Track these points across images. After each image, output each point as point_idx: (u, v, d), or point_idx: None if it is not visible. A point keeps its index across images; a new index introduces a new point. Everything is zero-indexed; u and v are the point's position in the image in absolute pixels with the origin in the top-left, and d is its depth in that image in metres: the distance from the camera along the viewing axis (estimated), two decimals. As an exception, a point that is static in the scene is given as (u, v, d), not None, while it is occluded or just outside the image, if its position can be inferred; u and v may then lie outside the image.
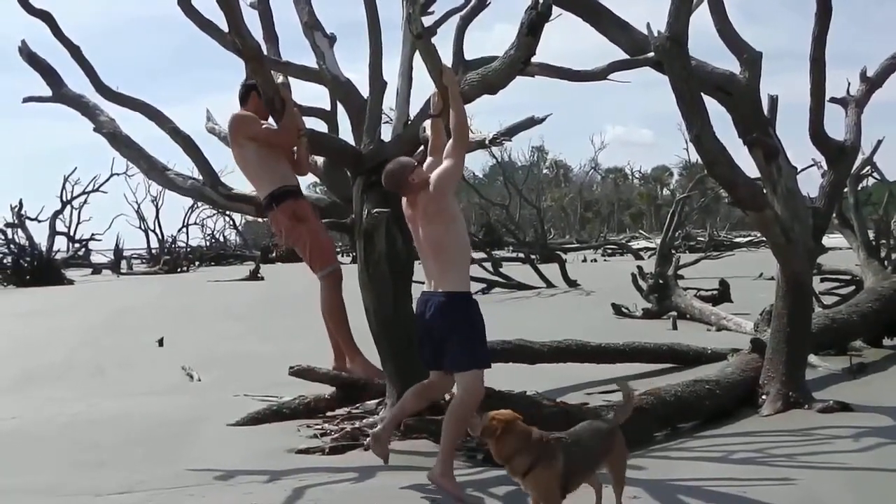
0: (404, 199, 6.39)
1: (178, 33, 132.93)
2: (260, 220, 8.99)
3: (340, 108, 8.68)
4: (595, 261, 44.70)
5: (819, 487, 5.94)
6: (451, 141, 6.24)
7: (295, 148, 7.53)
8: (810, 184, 10.72)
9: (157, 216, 68.10)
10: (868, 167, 17.16)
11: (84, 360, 13.62)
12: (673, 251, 20.01)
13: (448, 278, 6.14)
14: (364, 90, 8.10)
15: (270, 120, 7.45)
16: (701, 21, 8.21)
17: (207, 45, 7.77)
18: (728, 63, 8.49)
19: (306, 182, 9.37)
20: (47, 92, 9.02)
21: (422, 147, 7.21)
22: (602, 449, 5.39)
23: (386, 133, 7.99)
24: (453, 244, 6.18)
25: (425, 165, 6.42)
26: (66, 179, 53.51)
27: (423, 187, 6.15)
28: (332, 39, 8.49)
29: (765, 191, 8.39)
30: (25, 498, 6.47)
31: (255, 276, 35.83)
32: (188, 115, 9.51)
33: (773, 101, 8.76)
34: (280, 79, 7.79)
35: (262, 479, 6.68)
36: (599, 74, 8.23)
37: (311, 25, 8.46)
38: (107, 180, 56.02)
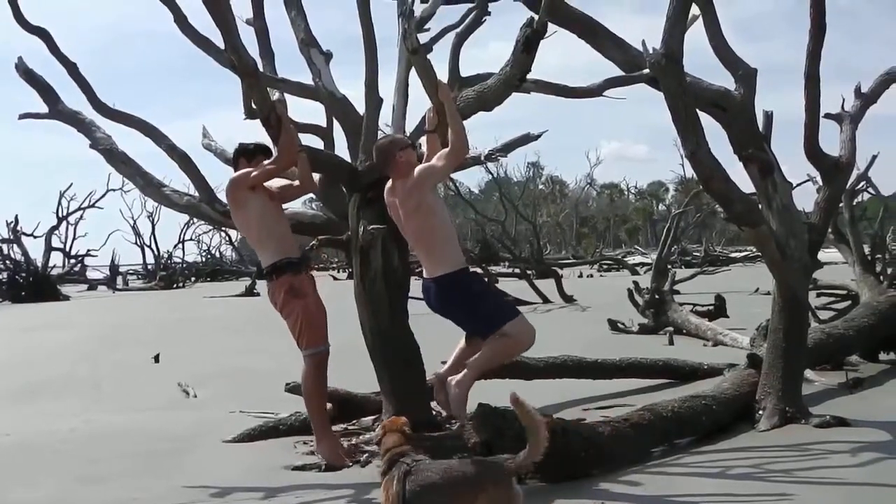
0: (387, 186, 6.43)
1: (175, 50, 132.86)
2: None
3: (336, 124, 8.70)
4: (591, 276, 44.69)
5: (816, 502, 5.93)
6: (448, 149, 6.29)
7: (295, 168, 7.50)
8: (806, 199, 10.77)
9: (153, 232, 68.08)
10: (863, 182, 17.23)
11: (80, 376, 13.59)
12: (669, 266, 20.03)
13: (436, 264, 6.28)
14: (360, 107, 8.12)
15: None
16: (696, 38, 8.25)
17: (204, 62, 7.78)
18: (723, 79, 8.52)
19: (300, 198, 9.35)
20: (44, 108, 9.04)
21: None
22: (463, 494, 4.73)
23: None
24: (434, 234, 6.32)
25: None
26: (62, 195, 53.54)
27: (407, 173, 6.22)
28: (328, 56, 8.52)
29: (760, 206, 8.40)
30: (21, 515, 6.46)
31: (250, 292, 35.79)
32: (185, 132, 9.54)
33: (768, 116, 8.78)
34: (276, 95, 7.82)
35: (259, 496, 6.67)
36: (595, 91, 8.26)
37: (308, 42, 8.49)
38: (103, 196, 56.03)
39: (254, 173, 7.03)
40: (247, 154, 7.27)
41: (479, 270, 26.66)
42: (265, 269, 7.06)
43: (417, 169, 6.27)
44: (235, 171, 7.42)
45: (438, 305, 6.30)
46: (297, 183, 7.48)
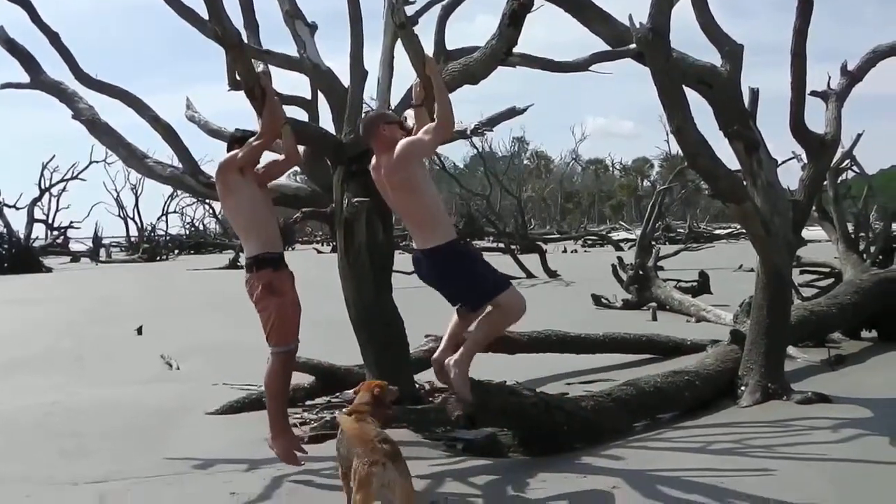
0: (372, 161, 6.44)
1: (160, 23, 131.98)
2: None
3: (321, 97, 8.65)
4: (575, 251, 44.80)
5: (797, 478, 5.97)
6: (434, 123, 6.25)
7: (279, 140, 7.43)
8: (790, 176, 10.79)
9: (136, 204, 68.01)
10: (848, 161, 17.27)
11: (63, 349, 13.57)
12: (653, 242, 20.05)
13: (427, 236, 6.25)
14: (345, 79, 8.07)
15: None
16: (683, 14, 8.23)
17: (190, 35, 7.71)
18: (710, 56, 8.50)
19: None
20: (25, 78, 8.95)
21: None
22: None
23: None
24: (423, 207, 6.28)
25: None
26: (44, 167, 53.42)
27: (389, 148, 6.19)
28: (313, 28, 8.45)
29: (745, 183, 8.41)
30: (3, 486, 6.44)
31: (234, 264, 35.72)
32: (169, 105, 9.46)
33: (754, 93, 8.78)
34: (260, 67, 7.75)
35: (242, 468, 6.68)
36: (581, 65, 8.24)
37: (293, 14, 8.42)
38: (86, 168, 55.99)
39: (241, 153, 6.96)
40: (241, 142, 7.19)
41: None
42: (247, 260, 7.00)
43: (402, 142, 6.21)
44: None
45: (430, 277, 6.29)
46: (282, 157, 7.41)
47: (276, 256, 6.93)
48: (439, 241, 6.21)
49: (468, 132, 8.01)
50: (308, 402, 8.47)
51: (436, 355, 6.52)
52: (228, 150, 7.24)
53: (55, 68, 8.92)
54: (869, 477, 6.11)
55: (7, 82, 9.27)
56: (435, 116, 6.29)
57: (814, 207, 12.40)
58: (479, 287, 6.27)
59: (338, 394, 8.47)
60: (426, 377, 8.68)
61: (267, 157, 7.36)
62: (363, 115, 7.73)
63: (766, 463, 6.31)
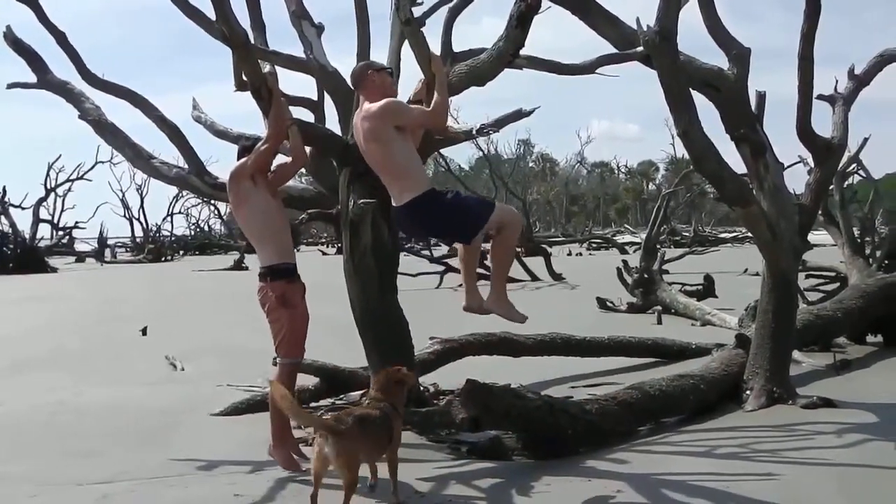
0: (358, 110, 6.49)
1: (167, 23, 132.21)
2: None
3: (328, 98, 8.65)
4: (580, 255, 44.77)
5: (802, 483, 5.95)
6: (430, 108, 6.31)
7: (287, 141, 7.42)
8: (796, 180, 10.77)
9: (141, 205, 68.25)
10: (854, 165, 17.25)
11: (68, 349, 13.57)
12: (658, 246, 20.03)
13: (402, 190, 6.28)
14: (351, 80, 8.06)
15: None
16: (690, 17, 8.21)
17: (197, 35, 7.72)
18: (717, 59, 8.49)
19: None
20: (32, 78, 8.96)
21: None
22: None
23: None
24: (394, 160, 6.31)
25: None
26: (50, 167, 53.53)
27: (376, 95, 6.25)
28: (319, 29, 8.46)
29: (751, 187, 8.40)
30: (8, 486, 6.44)
31: (239, 265, 35.77)
32: (175, 105, 9.48)
33: (761, 97, 8.77)
34: (267, 68, 7.75)
35: (246, 470, 6.67)
36: (588, 68, 8.23)
37: (299, 15, 8.43)
38: (91, 168, 56.23)
39: (250, 160, 6.95)
40: (250, 151, 7.18)
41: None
42: (261, 269, 6.99)
43: (388, 100, 6.28)
44: None
45: (413, 230, 6.36)
46: (290, 159, 7.40)
47: (291, 267, 6.94)
48: (415, 193, 6.24)
49: (474, 132, 8.00)
50: (313, 404, 8.46)
51: (466, 302, 6.58)
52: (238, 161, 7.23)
53: (62, 68, 8.94)
54: (874, 482, 6.08)
55: (14, 82, 9.29)
56: (431, 105, 6.35)
57: (820, 211, 12.37)
58: (467, 219, 6.29)
59: (342, 395, 8.46)
60: (431, 379, 8.69)
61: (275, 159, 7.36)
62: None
63: (771, 467, 6.30)
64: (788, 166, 9.05)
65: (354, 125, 6.54)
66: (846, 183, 17.41)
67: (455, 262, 16.46)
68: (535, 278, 25.42)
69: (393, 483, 5.75)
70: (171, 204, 70.25)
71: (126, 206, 68.46)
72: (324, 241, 60.07)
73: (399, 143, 6.32)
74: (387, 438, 5.78)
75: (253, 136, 7.58)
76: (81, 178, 55.58)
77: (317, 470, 5.43)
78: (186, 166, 8.80)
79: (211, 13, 6.91)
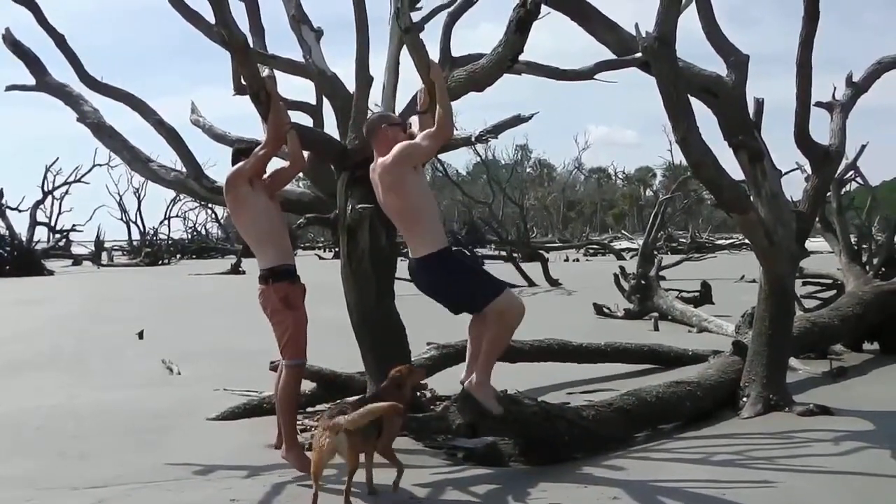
0: (372, 164, 6.45)
1: (166, 26, 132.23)
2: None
3: (326, 102, 8.65)
4: (577, 260, 44.76)
5: (799, 490, 5.95)
6: (433, 128, 6.26)
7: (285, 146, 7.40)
8: (794, 187, 10.77)
9: (138, 208, 68.16)
10: (851, 172, 17.24)
11: (64, 352, 13.55)
12: (655, 252, 20.05)
13: (418, 244, 6.27)
14: (350, 85, 8.08)
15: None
16: (689, 23, 8.22)
17: (196, 38, 7.71)
18: (715, 66, 8.50)
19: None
20: (31, 80, 8.96)
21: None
22: None
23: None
24: (414, 213, 6.30)
25: None
26: (47, 169, 53.45)
27: (384, 151, 6.23)
28: (318, 33, 8.46)
29: (749, 194, 8.40)
30: (3, 489, 6.42)
31: (236, 269, 35.73)
32: (173, 108, 9.48)
33: (759, 104, 8.77)
34: (266, 72, 7.76)
35: (242, 475, 6.66)
36: (586, 74, 8.23)
37: (298, 19, 8.43)
38: (89, 171, 56.32)
39: (248, 164, 6.94)
40: (245, 154, 7.17)
41: (465, 252, 26.69)
42: (262, 272, 6.98)
43: (400, 144, 6.24)
44: None
45: (426, 286, 6.29)
46: (287, 164, 7.40)
47: (292, 269, 6.93)
48: (430, 249, 6.23)
49: (473, 139, 8.01)
50: (309, 409, 8.44)
51: (464, 380, 6.50)
52: (233, 164, 7.21)
53: (61, 70, 8.94)
54: (870, 489, 6.08)
55: (12, 84, 9.29)
56: (435, 120, 6.30)
57: (817, 218, 12.38)
58: (477, 291, 6.27)
59: (339, 401, 8.44)
60: (427, 385, 8.67)
61: (273, 163, 7.36)
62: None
63: (767, 475, 6.29)
64: (786, 173, 9.03)
65: (372, 181, 6.50)
66: (844, 190, 17.43)
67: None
68: (531, 284, 25.43)
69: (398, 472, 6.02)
70: (168, 207, 70.34)
71: (123, 210, 68.53)
72: (321, 245, 60.00)
73: (421, 197, 6.34)
74: (374, 432, 5.90)
75: (248, 140, 7.57)
76: (79, 180, 55.56)
77: (316, 468, 5.68)
78: (184, 170, 8.80)
79: (210, 17, 6.91)
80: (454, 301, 6.39)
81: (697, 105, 7.96)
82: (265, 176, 7.16)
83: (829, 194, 13.78)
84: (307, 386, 8.50)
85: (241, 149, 7.20)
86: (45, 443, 7.79)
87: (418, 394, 8.12)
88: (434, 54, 7.19)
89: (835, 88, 10.02)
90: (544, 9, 6.69)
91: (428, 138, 6.28)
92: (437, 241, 6.32)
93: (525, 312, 6.39)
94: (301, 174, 8.38)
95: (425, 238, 6.28)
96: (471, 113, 77.18)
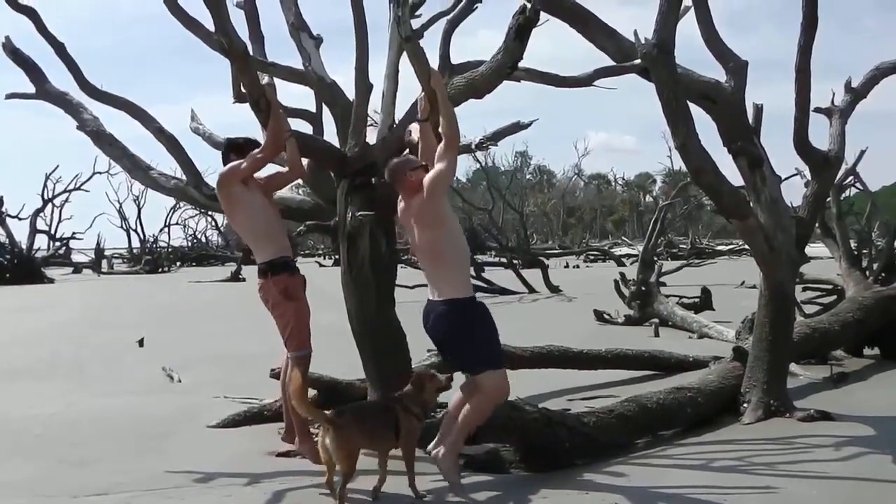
0: (400, 202, 6.36)
1: (165, 33, 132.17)
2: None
3: (326, 110, 8.65)
4: (577, 267, 44.82)
5: (800, 496, 5.95)
6: (441, 144, 6.20)
7: (284, 153, 7.41)
8: (793, 193, 10.77)
9: (138, 216, 68.14)
10: (851, 177, 17.25)
11: (64, 360, 13.55)
12: (655, 258, 20.03)
13: (447, 286, 6.09)
14: (350, 92, 8.07)
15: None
16: (687, 30, 8.23)
17: (195, 46, 7.71)
18: (714, 72, 8.51)
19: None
20: (30, 88, 8.96)
21: (406, 150, 7.17)
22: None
23: (371, 136, 7.98)
24: (450, 249, 6.15)
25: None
26: (47, 177, 53.36)
27: (419, 190, 6.12)
28: (318, 41, 8.46)
29: (749, 199, 8.40)
30: (2, 497, 6.41)
31: (236, 277, 35.74)
32: (173, 116, 9.48)
33: (758, 109, 8.78)
34: (265, 79, 7.77)
35: (243, 482, 6.65)
36: (585, 81, 8.24)
37: (298, 26, 8.43)
38: (89, 179, 56.11)
39: (243, 164, 6.95)
40: (236, 148, 7.17)
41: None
42: (260, 266, 6.97)
43: (428, 179, 6.08)
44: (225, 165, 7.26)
45: (444, 329, 6.08)
46: (286, 169, 7.41)
47: (290, 260, 6.93)
48: (457, 294, 6.08)
49: (473, 147, 8.01)
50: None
51: (432, 449, 6.28)
52: (224, 159, 7.22)
53: (60, 78, 8.94)
54: (871, 495, 6.08)
55: (12, 92, 9.28)
56: (441, 133, 6.25)
57: (817, 224, 12.38)
58: (484, 353, 6.13)
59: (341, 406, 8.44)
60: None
61: (270, 167, 7.37)
62: (378, 138, 7.74)
63: (768, 480, 6.29)
64: (785, 179, 9.06)
65: (403, 224, 6.38)
66: (843, 195, 17.42)
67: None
68: (532, 290, 25.45)
69: (410, 477, 6.07)
70: (168, 215, 70.27)
71: (123, 217, 68.50)
72: (321, 252, 60.00)
73: (453, 225, 6.34)
74: (391, 433, 6.04)
75: (242, 137, 7.52)
76: (79, 188, 55.44)
77: (326, 459, 5.97)
78: (184, 177, 8.80)
79: (210, 24, 6.91)
80: (458, 353, 6.20)
81: (697, 111, 7.98)
82: (260, 177, 7.17)
83: (828, 200, 13.79)
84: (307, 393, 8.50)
85: (234, 143, 7.19)
86: (44, 450, 7.78)
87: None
88: (433, 61, 7.20)
89: (833, 94, 10.03)
90: (543, 16, 6.70)
91: (443, 158, 6.14)
92: (467, 286, 6.23)
93: (508, 395, 6.32)
94: (300, 181, 8.38)
95: (457, 281, 6.14)
96: (470, 120, 76.32)
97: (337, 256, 9.28)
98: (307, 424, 6.87)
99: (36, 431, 8.48)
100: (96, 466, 7.22)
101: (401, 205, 6.34)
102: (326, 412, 6.09)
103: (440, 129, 6.27)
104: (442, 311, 6.08)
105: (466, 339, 6.09)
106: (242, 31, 7.85)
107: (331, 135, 8.46)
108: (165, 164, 10.28)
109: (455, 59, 8.16)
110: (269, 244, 6.91)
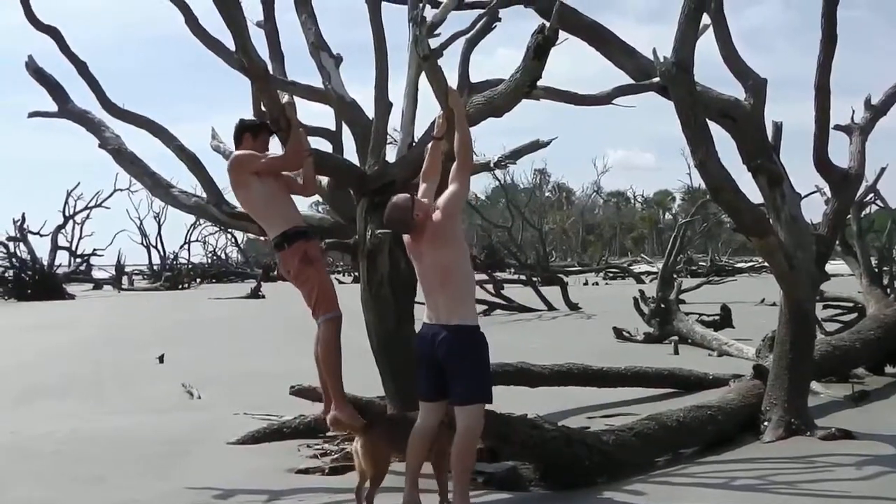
0: (407, 241, 6.26)
1: (187, 52, 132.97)
2: (262, 238, 8.68)
3: (346, 128, 8.69)
4: (596, 284, 44.67)
5: (821, 516, 5.92)
6: (455, 164, 6.19)
7: (301, 169, 7.44)
8: (814, 210, 10.72)
9: (159, 232, 68.42)
10: (871, 194, 17.19)
11: (84, 376, 13.61)
12: (675, 276, 20.00)
13: (457, 310, 5.97)
14: (369, 111, 8.11)
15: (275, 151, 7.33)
16: (706, 48, 8.24)
17: (216, 65, 7.75)
18: (733, 89, 8.51)
19: (308, 201, 9.30)
20: (53, 107, 9.04)
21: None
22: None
23: (391, 154, 8.01)
24: (461, 270, 6.06)
25: (419, 192, 6.33)
26: (69, 194, 53.72)
27: (428, 218, 6.06)
28: (338, 60, 8.50)
29: (768, 217, 8.39)
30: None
31: (256, 294, 35.84)
32: (194, 134, 9.52)
33: (778, 127, 8.78)
34: (286, 98, 7.80)
35: (262, 499, 6.66)
36: (604, 99, 8.25)
37: (318, 46, 8.47)
38: (110, 196, 56.32)
39: (260, 162, 6.95)
40: (252, 130, 7.15)
41: (484, 276, 26.69)
42: (275, 240, 6.97)
43: (442, 202, 5.99)
44: (237, 146, 7.17)
45: (449, 355, 5.92)
46: (300, 181, 7.43)
47: (304, 229, 6.93)
48: (466, 321, 5.98)
49: (492, 165, 8.02)
50: (329, 434, 8.44)
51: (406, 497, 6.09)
52: (237, 138, 7.15)
53: (82, 97, 9.01)
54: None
55: (35, 111, 9.35)
56: (455, 153, 6.22)
57: (837, 242, 12.34)
58: (477, 383, 5.98)
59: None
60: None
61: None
62: (398, 156, 7.75)
63: (789, 500, 6.26)
64: (805, 196, 9.04)
65: (414, 253, 6.21)
66: (863, 213, 17.34)
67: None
68: (551, 307, 25.40)
69: (441, 484, 6.24)
70: (188, 232, 70.61)
71: (143, 234, 68.77)
72: (340, 269, 60.06)
73: (465, 250, 6.22)
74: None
75: (251, 119, 7.47)
76: (100, 205, 55.81)
77: (357, 465, 6.16)
78: (205, 195, 8.84)
79: (230, 44, 6.96)
80: (460, 379, 5.95)
81: (716, 129, 7.97)
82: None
83: (848, 217, 13.73)
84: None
85: (248, 124, 7.18)
86: (62, 467, 7.82)
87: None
88: (452, 80, 7.21)
89: (853, 111, 10.02)
90: (562, 34, 6.71)
91: (456, 178, 6.08)
92: (475, 314, 6.17)
93: (479, 435, 6.08)
94: (320, 199, 8.39)
95: (466, 306, 6.05)
96: (489, 138, 77.06)
97: (356, 274, 9.29)
98: (342, 389, 6.77)
99: (54, 448, 8.52)
100: (115, 483, 7.25)
101: (406, 238, 6.26)
102: (364, 420, 6.41)
103: (454, 148, 6.24)
104: (451, 337, 5.93)
105: (472, 369, 5.96)
106: (263, 50, 7.91)
107: (350, 153, 8.49)
108: (186, 181, 10.34)
109: (474, 77, 8.18)
110: (278, 217, 6.90)
